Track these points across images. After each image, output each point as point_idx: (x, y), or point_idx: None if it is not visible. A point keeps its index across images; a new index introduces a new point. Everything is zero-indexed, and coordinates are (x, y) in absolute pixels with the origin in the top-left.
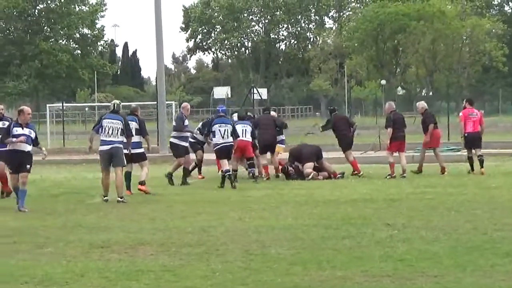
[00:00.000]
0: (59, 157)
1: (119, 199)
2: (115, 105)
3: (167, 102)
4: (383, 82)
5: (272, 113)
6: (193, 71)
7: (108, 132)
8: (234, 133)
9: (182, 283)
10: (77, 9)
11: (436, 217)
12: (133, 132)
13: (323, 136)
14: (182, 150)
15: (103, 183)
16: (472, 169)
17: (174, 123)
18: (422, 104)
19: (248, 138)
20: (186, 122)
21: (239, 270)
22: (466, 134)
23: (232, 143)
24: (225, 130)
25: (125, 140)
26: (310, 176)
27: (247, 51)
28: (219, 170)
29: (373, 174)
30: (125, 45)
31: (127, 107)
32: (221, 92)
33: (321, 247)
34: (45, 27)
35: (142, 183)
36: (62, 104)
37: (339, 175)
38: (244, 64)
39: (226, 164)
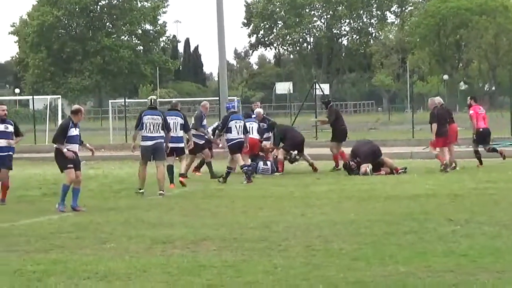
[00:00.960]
0: (122, 153)
1: (161, 192)
2: (152, 100)
3: (229, 98)
4: (446, 77)
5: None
6: (255, 67)
7: (149, 128)
8: (245, 130)
9: (244, 278)
10: (139, 5)
11: (499, 213)
12: (178, 127)
13: (386, 132)
14: (198, 148)
15: (140, 176)
16: (481, 162)
17: (193, 121)
18: (432, 100)
19: (255, 135)
20: (205, 121)
21: (301, 265)
22: (481, 130)
23: (243, 139)
24: (239, 126)
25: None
26: (364, 173)
27: (309, 46)
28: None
29: (435, 168)
30: (187, 41)
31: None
32: (283, 87)
33: (383, 243)
34: (107, 23)
35: (183, 175)
36: (124, 100)
37: (401, 170)
38: (306, 59)
39: (241, 159)
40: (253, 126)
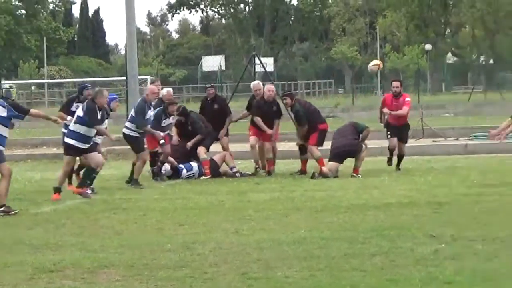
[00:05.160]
0: None
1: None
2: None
3: (140, 77)
4: (428, 47)
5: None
6: (175, 36)
7: None
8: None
9: None
10: None
11: (496, 226)
12: None
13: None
14: (142, 142)
15: None
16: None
17: (132, 113)
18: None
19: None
20: (150, 113)
21: None
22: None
23: None
24: None
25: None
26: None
27: (247, 7)
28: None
29: (413, 169)
30: (84, 3)
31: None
32: (212, 63)
33: (343, 268)
34: None
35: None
36: (0, 80)
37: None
38: (243, 25)
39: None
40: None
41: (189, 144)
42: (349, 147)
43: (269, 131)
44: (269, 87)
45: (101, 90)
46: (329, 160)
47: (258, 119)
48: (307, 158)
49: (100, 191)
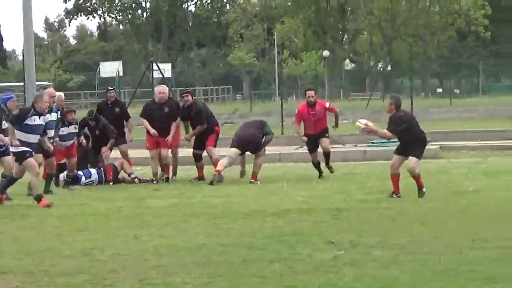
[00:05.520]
0: None
1: None
2: None
3: (38, 83)
4: (326, 53)
5: None
6: (72, 41)
7: None
8: None
9: None
10: None
11: (395, 232)
12: None
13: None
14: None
15: None
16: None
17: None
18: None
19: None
20: (39, 120)
21: None
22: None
23: None
24: None
25: None
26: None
27: (144, 13)
28: None
29: (312, 175)
30: None
31: None
32: (110, 68)
33: (242, 274)
34: None
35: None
36: None
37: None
38: (140, 31)
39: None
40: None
41: (105, 149)
42: (252, 138)
43: (154, 132)
44: (160, 89)
45: (40, 95)
46: (230, 147)
47: (144, 121)
48: (203, 165)
49: None
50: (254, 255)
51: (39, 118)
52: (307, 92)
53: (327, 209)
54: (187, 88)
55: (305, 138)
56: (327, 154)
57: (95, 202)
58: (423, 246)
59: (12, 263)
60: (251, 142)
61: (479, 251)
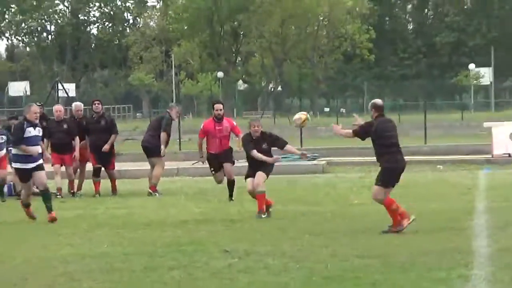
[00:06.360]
0: None
1: None
2: None
3: None
4: (220, 74)
5: None
6: None
7: None
8: None
9: None
10: None
11: (286, 242)
12: None
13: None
14: None
15: None
16: None
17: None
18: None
19: None
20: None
21: None
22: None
23: None
24: None
25: None
26: None
27: (49, 36)
28: None
29: (208, 189)
30: None
31: None
32: (18, 88)
33: (143, 281)
34: None
35: None
36: None
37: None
38: (46, 53)
39: None
40: None
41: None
42: (146, 143)
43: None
44: (56, 108)
45: (28, 105)
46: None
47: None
48: (100, 180)
49: None
50: (155, 262)
51: (34, 128)
52: (215, 105)
53: (222, 220)
54: (97, 99)
55: (203, 159)
56: (231, 183)
57: (5, 212)
58: (311, 254)
59: None
60: (145, 148)
61: (364, 259)
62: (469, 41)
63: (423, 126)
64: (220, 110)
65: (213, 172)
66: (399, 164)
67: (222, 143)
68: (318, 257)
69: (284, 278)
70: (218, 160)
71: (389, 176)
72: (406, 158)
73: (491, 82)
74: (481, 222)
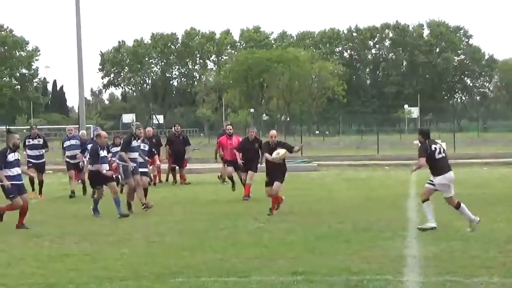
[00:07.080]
0: None
1: None
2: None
3: (86, 125)
4: (252, 110)
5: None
6: (106, 102)
7: None
8: None
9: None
10: (18, 54)
11: (292, 215)
12: None
13: (205, 152)
14: None
15: None
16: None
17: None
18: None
19: None
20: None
21: (140, 255)
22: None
23: None
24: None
25: None
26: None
27: (148, 86)
28: None
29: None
30: (54, 82)
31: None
32: (128, 118)
33: (205, 236)
34: None
35: None
36: (6, 126)
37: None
38: (145, 96)
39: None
40: None
41: None
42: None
43: None
44: (148, 129)
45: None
46: None
47: None
48: (175, 174)
49: None
50: (211, 225)
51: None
52: (227, 126)
53: (252, 200)
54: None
55: (216, 160)
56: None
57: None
58: (307, 222)
59: None
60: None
61: (340, 225)
62: (404, 91)
63: (377, 142)
64: (230, 129)
65: (225, 165)
66: None
67: (232, 152)
68: (312, 224)
69: (291, 236)
70: (234, 165)
71: None
72: (364, 163)
73: (418, 116)
74: (411, 204)
